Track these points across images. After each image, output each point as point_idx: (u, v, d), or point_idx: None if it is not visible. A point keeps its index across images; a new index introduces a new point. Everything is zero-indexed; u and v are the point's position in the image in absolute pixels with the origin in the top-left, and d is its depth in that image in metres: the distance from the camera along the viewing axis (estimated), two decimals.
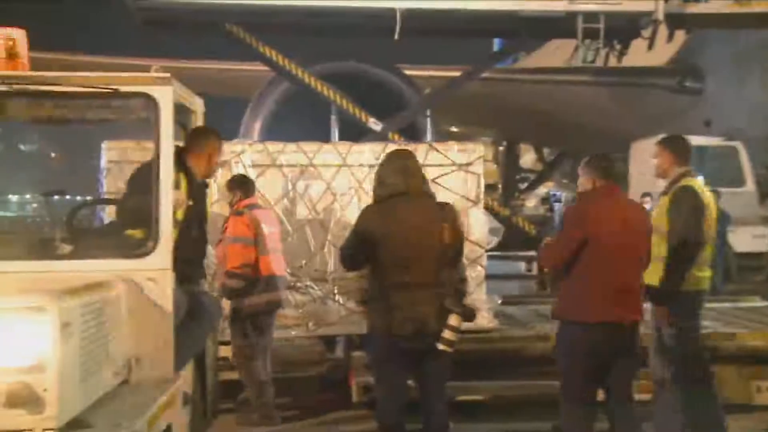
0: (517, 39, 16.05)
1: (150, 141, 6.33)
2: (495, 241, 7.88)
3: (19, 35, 4.16)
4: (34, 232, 4.99)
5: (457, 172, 7.43)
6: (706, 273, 5.60)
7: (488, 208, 13.59)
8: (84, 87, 4.15)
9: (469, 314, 4.78)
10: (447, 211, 4.87)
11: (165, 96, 4.19)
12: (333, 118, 14.87)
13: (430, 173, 7.46)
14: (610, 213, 4.88)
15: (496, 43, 23.43)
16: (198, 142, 4.81)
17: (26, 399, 3.15)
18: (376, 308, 4.81)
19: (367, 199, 7.36)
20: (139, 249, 4.18)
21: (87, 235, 4.57)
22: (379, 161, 7.28)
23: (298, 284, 7.25)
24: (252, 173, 7.19)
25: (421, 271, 4.71)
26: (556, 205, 20.98)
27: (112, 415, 3.52)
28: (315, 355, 7.67)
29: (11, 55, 4.12)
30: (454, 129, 29.38)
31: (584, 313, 4.85)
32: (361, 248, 4.79)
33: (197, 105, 5.10)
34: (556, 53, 22.07)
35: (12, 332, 3.19)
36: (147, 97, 4.19)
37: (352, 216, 7.34)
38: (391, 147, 7.53)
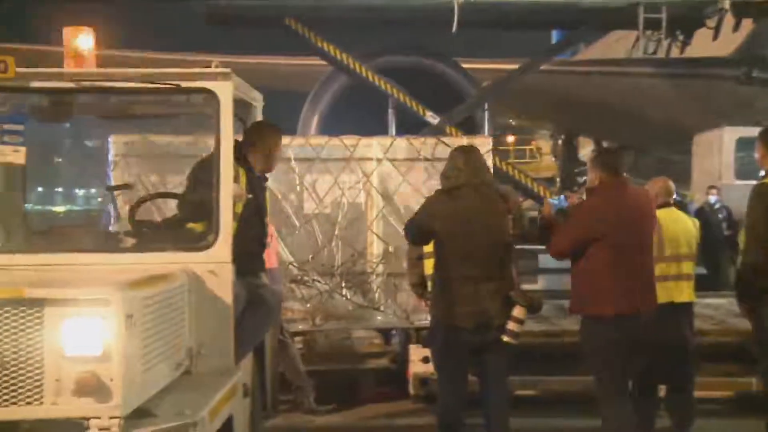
0: (577, 30, 15.82)
1: (157, 134, 6.36)
2: None
3: (87, 34, 4.26)
4: (99, 226, 5.10)
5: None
6: None
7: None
8: (147, 83, 4.23)
9: (534, 306, 4.76)
10: (511, 203, 4.88)
11: (225, 91, 4.24)
12: (390, 111, 14.86)
13: (437, 167, 7.49)
14: (617, 208, 4.88)
15: (555, 35, 23.14)
16: (257, 136, 4.86)
17: (94, 388, 3.23)
18: (440, 301, 4.81)
19: (375, 193, 7.39)
20: (200, 242, 4.25)
21: (150, 228, 4.65)
22: (387, 155, 7.31)
23: (305, 278, 7.26)
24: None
25: (486, 264, 4.72)
26: None
27: (175, 405, 3.57)
28: (373, 348, 7.68)
29: (79, 53, 4.23)
30: (512, 122, 29.13)
31: (598, 307, 4.85)
32: (424, 233, 4.84)
33: (257, 99, 5.15)
34: (616, 44, 21.71)
35: (79, 323, 3.26)
36: (207, 92, 4.25)
37: (359, 210, 7.33)
38: (400, 141, 7.56)
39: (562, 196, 11.30)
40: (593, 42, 25.39)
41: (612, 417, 4.90)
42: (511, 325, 4.70)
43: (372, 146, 7.48)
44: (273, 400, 5.39)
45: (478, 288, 4.69)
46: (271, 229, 6.87)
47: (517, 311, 4.70)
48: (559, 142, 28.67)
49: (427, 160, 7.45)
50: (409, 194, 7.45)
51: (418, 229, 4.91)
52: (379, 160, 7.42)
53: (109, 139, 6.87)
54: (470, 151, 5.06)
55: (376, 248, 7.56)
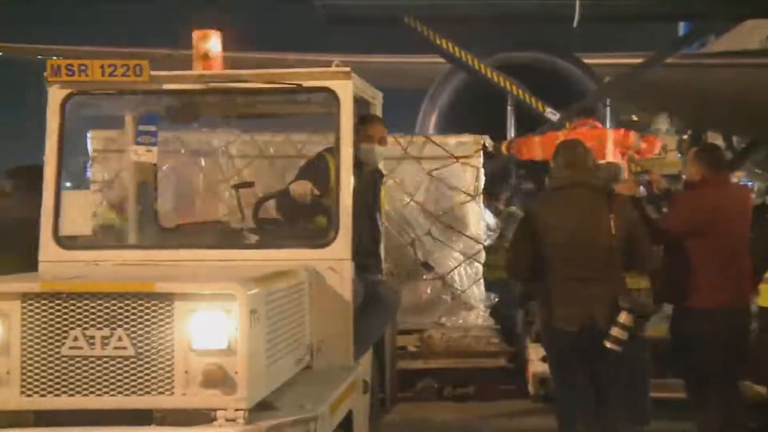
0: (706, 21, 15.19)
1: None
2: (494, 236, 7.61)
3: (214, 37, 4.41)
4: (224, 223, 5.26)
5: (455, 165, 7.21)
6: None
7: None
8: (270, 83, 4.34)
9: (641, 312, 4.56)
10: (617, 203, 4.67)
11: (345, 90, 4.30)
12: (509, 108, 14.70)
13: (426, 166, 7.27)
14: (714, 204, 4.98)
15: (682, 27, 22.32)
16: (364, 130, 4.85)
17: (220, 380, 3.33)
18: (546, 302, 4.71)
19: None
20: (321, 239, 4.32)
21: (271, 225, 4.76)
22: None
23: None
24: (239, 164, 7.01)
25: (587, 265, 4.57)
26: None
27: (297, 399, 3.65)
28: (490, 347, 7.61)
29: (206, 55, 4.38)
30: (634, 118, 28.28)
31: (689, 300, 4.91)
32: (525, 242, 4.69)
33: (376, 98, 5.19)
34: (749, 35, 20.71)
35: (206, 317, 3.37)
36: (328, 91, 4.32)
37: None
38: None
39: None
40: (724, 33, 24.33)
41: (706, 416, 4.86)
42: (615, 331, 4.48)
43: None
44: (392, 397, 5.42)
45: (580, 289, 4.54)
46: None
47: (623, 317, 4.48)
48: (685, 137, 27.63)
49: (414, 158, 7.27)
50: (396, 192, 7.30)
51: (520, 243, 4.71)
52: None
53: (88, 135, 6.65)
54: (571, 148, 4.88)
55: None
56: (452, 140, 7.48)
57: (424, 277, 7.22)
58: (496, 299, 7.63)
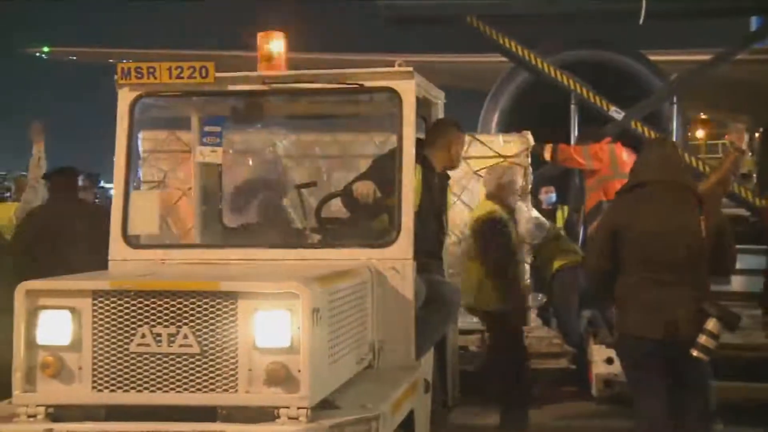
0: None
1: (185, 131, 6.35)
2: (541, 236, 7.42)
3: (278, 38, 4.47)
4: (288, 223, 5.30)
5: (502, 165, 7.05)
6: None
7: (742, 199, 12.68)
8: (333, 83, 4.37)
9: (730, 320, 4.30)
10: (708, 203, 4.46)
11: (408, 89, 4.31)
12: (573, 107, 14.54)
13: (473, 165, 7.12)
14: None
15: (754, 22, 21.72)
16: (438, 134, 4.88)
17: (283, 378, 3.36)
18: (625, 306, 4.53)
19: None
20: (382, 239, 4.33)
21: (333, 225, 4.79)
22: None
23: None
24: (287, 163, 6.98)
25: (672, 268, 4.35)
26: None
27: (358, 398, 3.66)
28: (552, 348, 7.53)
29: (271, 56, 4.43)
30: (703, 116, 27.67)
31: None
32: (604, 241, 4.52)
33: (439, 98, 5.18)
34: None
35: (269, 316, 3.41)
36: (391, 91, 4.33)
37: None
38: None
39: None
40: None
41: None
42: (702, 339, 4.26)
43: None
44: (453, 397, 5.41)
45: (664, 293, 4.32)
46: None
47: (711, 325, 4.26)
48: (757, 135, 26.89)
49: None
50: None
51: (602, 247, 4.53)
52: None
53: (139, 135, 6.65)
54: (664, 145, 4.73)
55: None
56: (499, 139, 7.40)
57: None
58: (543, 299, 7.53)
